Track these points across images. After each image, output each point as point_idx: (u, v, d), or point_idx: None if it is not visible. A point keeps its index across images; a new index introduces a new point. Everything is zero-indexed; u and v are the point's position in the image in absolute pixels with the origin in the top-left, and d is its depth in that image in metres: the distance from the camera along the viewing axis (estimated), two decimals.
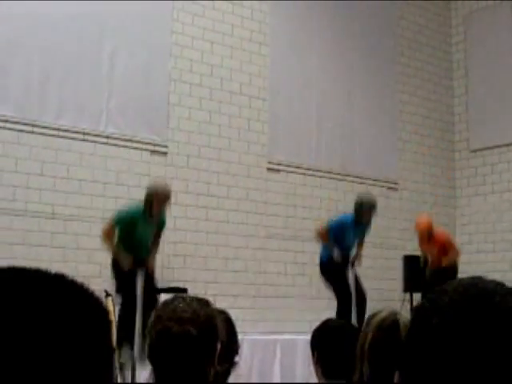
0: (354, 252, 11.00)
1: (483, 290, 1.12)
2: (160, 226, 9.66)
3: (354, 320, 9.52)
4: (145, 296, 8.80)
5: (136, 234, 9.18)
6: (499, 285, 1.15)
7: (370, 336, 2.67)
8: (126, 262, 8.99)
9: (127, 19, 12.68)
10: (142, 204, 9.29)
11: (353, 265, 10.64)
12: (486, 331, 1.06)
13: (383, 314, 2.72)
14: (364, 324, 2.80)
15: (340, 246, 10.57)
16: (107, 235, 9.13)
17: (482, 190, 16.61)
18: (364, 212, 10.72)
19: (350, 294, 9.85)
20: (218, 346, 2.54)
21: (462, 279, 1.19)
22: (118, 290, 9.15)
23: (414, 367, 1.12)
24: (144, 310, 8.35)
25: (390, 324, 2.63)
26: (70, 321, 1.01)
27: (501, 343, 1.04)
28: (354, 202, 10.86)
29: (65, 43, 11.99)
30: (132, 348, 8.58)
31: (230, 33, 14.07)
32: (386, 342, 2.61)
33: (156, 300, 8.70)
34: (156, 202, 9.16)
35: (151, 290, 9.13)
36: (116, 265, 9.23)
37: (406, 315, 2.75)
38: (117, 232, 9.17)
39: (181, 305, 2.47)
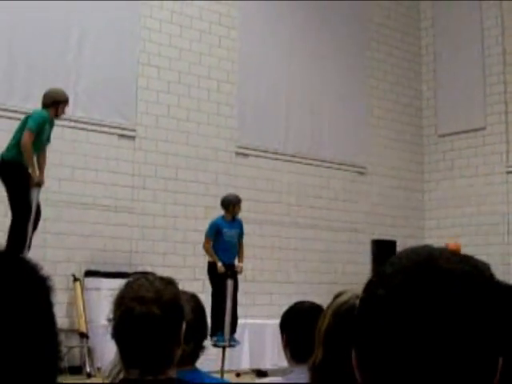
0: (236, 260, 11.37)
1: (427, 256, 1.11)
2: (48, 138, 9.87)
3: None
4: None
5: (44, 135, 9.50)
6: (445, 250, 1.14)
7: (326, 321, 2.66)
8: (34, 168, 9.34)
9: (95, 2, 12.55)
10: (47, 109, 9.65)
11: (235, 275, 11.10)
12: (429, 295, 1.06)
13: (343, 298, 2.70)
14: (328, 304, 2.79)
15: (223, 249, 11.06)
16: (29, 144, 9.27)
17: (450, 175, 16.73)
18: (232, 204, 11.19)
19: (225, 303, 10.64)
20: (184, 326, 2.53)
21: (408, 248, 1.18)
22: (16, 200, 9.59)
23: (366, 342, 1.11)
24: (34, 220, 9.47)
25: (347, 309, 2.62)
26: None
27: (445, 306, 1.04)
28: (221, 200, 11.30)
29: (32, 27, 11.86)
30: None
31: (199, 16, 13.99)
32: (341, 327, 2.61)
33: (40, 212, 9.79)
34: (62, 104, 9.69)
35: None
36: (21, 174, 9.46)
37: None
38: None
39: (144, 284, 2.46)
